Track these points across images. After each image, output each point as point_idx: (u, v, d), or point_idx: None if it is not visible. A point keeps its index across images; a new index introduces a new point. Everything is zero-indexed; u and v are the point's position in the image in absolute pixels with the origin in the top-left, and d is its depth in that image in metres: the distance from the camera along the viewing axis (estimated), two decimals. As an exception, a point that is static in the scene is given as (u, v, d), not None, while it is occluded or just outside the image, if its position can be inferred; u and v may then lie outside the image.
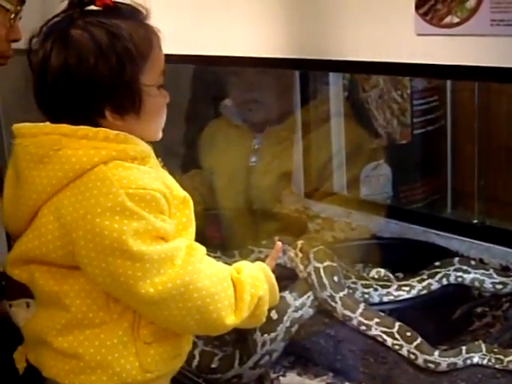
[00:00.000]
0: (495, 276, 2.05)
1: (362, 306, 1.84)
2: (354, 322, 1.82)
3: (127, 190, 1.30)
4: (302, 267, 1.94)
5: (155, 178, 1.36)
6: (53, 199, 1.34)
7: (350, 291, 1.91)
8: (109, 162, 1.32)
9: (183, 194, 1.39)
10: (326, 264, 1.90)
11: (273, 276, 1.46)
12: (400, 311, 1.95)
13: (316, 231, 2.77)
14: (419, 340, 1.76)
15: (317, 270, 1.89)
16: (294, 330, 1.87)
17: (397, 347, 1.77)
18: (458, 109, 2.99)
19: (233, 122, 2.68)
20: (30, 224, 1.38)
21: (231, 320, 1.37)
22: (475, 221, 2.73)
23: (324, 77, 2.91)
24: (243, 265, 1.44)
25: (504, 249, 2.46)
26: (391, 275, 2.21)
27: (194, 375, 1.91)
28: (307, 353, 1.91)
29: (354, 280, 1.99)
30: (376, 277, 2.15)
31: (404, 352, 1.76)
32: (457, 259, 2.08)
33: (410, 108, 2.94)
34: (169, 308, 1.33)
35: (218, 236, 2.28)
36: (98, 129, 1.34)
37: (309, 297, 1.89)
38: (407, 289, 2.01)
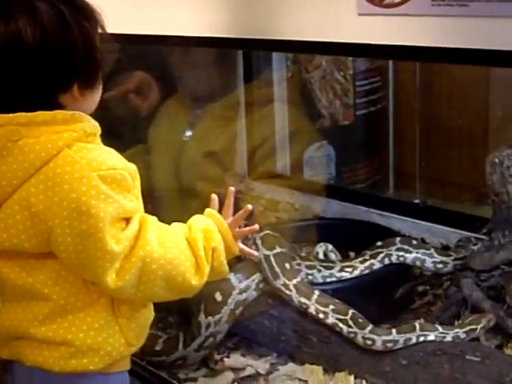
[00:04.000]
0: (436, 255, 2.08)
1: (316, 292, 1.85)
2: (311, 310, 1.82)
3: (99, 172, 1.28)
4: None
5: (115, 155, 1.35)
6: (17, 190, 1.29)
7: (303, 278, 1.92)
8: (72, 144, 1.29)
9: (133, 166, 1.38)
10: (275, 251, 1.90)
11: (225, 224, 1.42)
12: (343, 291, 1.98)
13: (260, 212, 2.78)
14: (371, 326, 1.78)
15: (267, 258, 1.90)
16: (238, 312, 1.88)
17: (352, 335, 1.78)
18: (400, 89, 3.01)
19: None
20: None
21: (196, 279, 1.36)
22: (417, 201, 2.77)
23: (267, 57, 2.91)
24: (193, 221, 1.42)
25: (445, 228, 2.51)
26: (337, 252, 2.25)
27: (138, 358, 1.90)
28: (251, 334, 1.92)
29: (298, 261, 1.99)
30: (321, 254, 2.16)
31: (359, 339, 1.77)
32: (398, 239, 2.10)
33: (353, 89, 2.95)
34: (134, 285, 1.32)
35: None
36: (55, 112, 1.30)
37: (253, 280, 1.89)
38: (350, 270, 2.03)
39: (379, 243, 2.09)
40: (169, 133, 2.24)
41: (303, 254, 2.18)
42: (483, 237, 2.06)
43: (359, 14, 1.50)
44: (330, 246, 2.26)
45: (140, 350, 1.83)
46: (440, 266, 2.08)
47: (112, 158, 1.33)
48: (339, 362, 1.79)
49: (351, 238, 2.34)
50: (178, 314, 2.01)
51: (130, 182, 1.33)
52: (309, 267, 2.00)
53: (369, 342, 1.75)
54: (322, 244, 2.22)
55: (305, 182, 2.97)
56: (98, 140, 1.38)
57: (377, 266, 2.05)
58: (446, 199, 2.78)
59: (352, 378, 1.76)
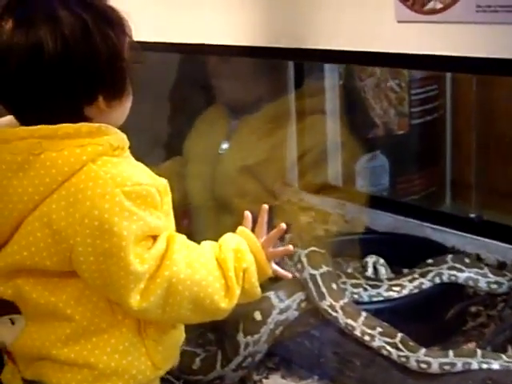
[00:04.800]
0: (490, 275, 1.97)
1: (364, 314, 1.76)
2: (357, 332, 1.74)
3: (123, 187, 1.23)
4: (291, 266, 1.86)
5: (143, 170, 1.30)
6: (39, 206, 1.25)
7: (350, 298, 1.84)
8: (96, 159, 1.25)
9: (164, 181, 1.32)
10: (322, 270, 1.82)
11: (258, 243, 1.35)
12: (390, 311, 1.88)
13: (309, 223, 2.70)
14: (423, 349, 1.68)
15: (313, 277, 1.82)
16: (278, 331, 1.81)
17: (403, 359, 1.69)
18: (458, 98, 2.90)
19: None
20: (13, 235, 1.28)
21: (226, 302, 1.31)
22: (473, 215, 2.65)
23: (319, 64, 2.83)
24: (223, 240, 1.36)
25: (502, 244, 2.39)
26: (387, 267, 2.15)
27: (175, 377, 1.84)
28: (292, 355, 1.84)
29: (343, 280, 1.91)
30: (370, 266, 2.07)
31: (412, 363, 1.67)
32: (450, 256, 2.00)
33: (408, 97, 2.85)
34: (159, 307, 1.28)
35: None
36: (80, 125, 1.25)
37: (295, 299, 1.82)
38: (398, 289, 1.93)
39: (430, 261, 1.99)
40: (207, 144, 2.16)
41: (350, 271, 2.09)
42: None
43: (398, 22, 1.41)
44: (382, 260, 2.16)
45: (177, 368, 1.79)
46: (494, 286, 1.97)
47: (139, 173, 1.27)
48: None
49: (402, 254, 2.23)
50: (218, 331, 1.94)
51: (157, 199, 1.28)
52: (354, 285, 1.92)
53: (424, 366, 1.65)
54: (372, 256, 2.11)
55: (357, 193, 2.86)
56: (127, 153, 1.33)
57: (427, 285, 1.95)
58: (504, 213, 2.65)
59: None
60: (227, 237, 1.37)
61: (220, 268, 1.31)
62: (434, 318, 1.95)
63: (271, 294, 1.79)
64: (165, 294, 1.27)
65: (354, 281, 1.93)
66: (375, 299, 1.92)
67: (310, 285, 1.81)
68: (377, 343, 1.71)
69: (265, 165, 2.03)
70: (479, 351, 1.67)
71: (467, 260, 2.01)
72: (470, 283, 1.97)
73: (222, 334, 1.83)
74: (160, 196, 1.29)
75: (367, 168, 2.95)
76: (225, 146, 2.10)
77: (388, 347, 1.69)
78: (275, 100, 2.34)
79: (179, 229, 1.41)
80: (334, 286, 1.81)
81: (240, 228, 1.37)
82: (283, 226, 1.38)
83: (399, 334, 1.71)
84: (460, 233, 2.53)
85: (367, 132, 2.91)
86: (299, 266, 1.85)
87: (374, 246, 2.30)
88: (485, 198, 2.72)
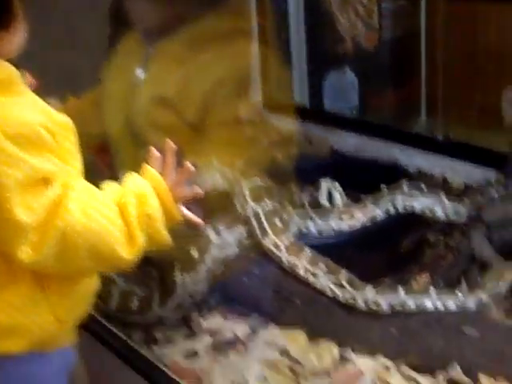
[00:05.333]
0: (447, 203, 1.85)
1: (307, 251, 1.66)
2: (301, 271, 1.64)
3: (7, 130, 1.12)
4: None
5: (32, 106, 1.17)
6: None
7: (296, 232, 1.74)
8: None
9: (65, 119, 1.19)
10: (265, 206, 1.72)
11: (165, 185, 1.23)
12: (340, 243, 1.79)
13: (270, 145, 2.58)
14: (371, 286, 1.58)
15: (255, 213, 1.71)
16: (217, 269, 1.70)
17: (351, 301, 1.58)
18: (432, 12, 2.69)
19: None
20: None
21: (127, 251, 1.20)
22: (443, 135, 2.51)
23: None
24: (127, 182, 1.25)
25: (469, 164, 2.26)
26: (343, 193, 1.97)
27: (113, 316, 1.76)
28: (232, 293, 1.74)
29: (289, 211, 1.80)
30: (324, 191, 1.93)
31: (360, 304, 1.57)
32: (406, 183, 1.86)
33: (378, 10, 2.68)
34: (55, 259, 1.18)
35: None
36: None
37: (235, 235, 1.71)
38: (348, 219, 1.82)
39: (384, 187, 1.86)
40: (122, 75, 1.99)
41: (305, 198, 1.96)
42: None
43: None
44: (337, 184, 1.99)
45: (115, 308, 1.71)
46: (452, 215, 1.85)
47: (27, 112, 1.15)
48: (324, 327, 1.60)
49: (363, 178, 2.10)
50: (158, 267, 1.84)
51: (48, 139, 1.15)
52: (301, 216, 1.80)
53: (373, 307, 1.56)
54: (327, 179, 1.93)
55: (324, 113, 2.76)
56: (20, 89, 1.19)
57: (380, 214, 1.84)
58: (475, 134, 2.51)
59: (336, 346, 1.57)
60: (130, 178, 1.25)
61: (121, 215, 1.19)
62: (388, 249, 1.85)
63: (209, 230, 1.68)
64: (59, 246, 1.16)
65: (301, 211, 1.81)
66: (324, 231, 1.80)
67: (253, 221, 1.71)
68: (321, 283, 1.61)
69: (184, 94, 1.87)
70: (432, 289, 1.56)
71: (423, 187, 1.88)
72: (427, 212, 1.86)
73: (158, 274, 1.73)
74: (51, 133, 1.16)
75: (335, 86, 2.80)
76: (141, 75, 1.93)
77: (333, 287, 1.59)
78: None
79: (96, 165, 1.29)
80: (278, 222, 1.70)
81: (145, 167, 1.25)
82: (190, 166, 1.26)
83: (344, 272, 1.60)
84: (428, 153, 2.42)
85: (334, 47, 2.75)
86: (241, 199, 1.73)
87: (334, 170, 2.17)
88: (460, 117, 2.58)
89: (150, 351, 1.67)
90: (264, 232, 1.68)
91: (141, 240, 1.20)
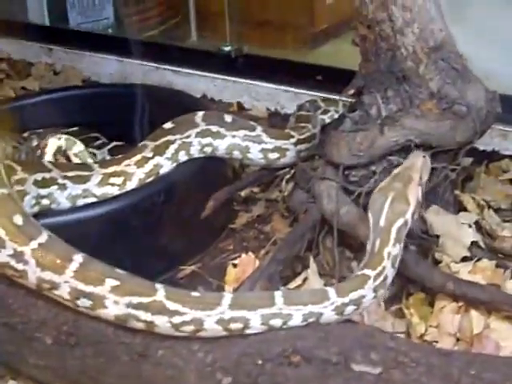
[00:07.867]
0: (266, 138, 1.26)
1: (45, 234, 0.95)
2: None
3: None
4: None
5: None
6: None
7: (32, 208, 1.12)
8: None
9: None
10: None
11: None
12: (107, 219, 1.18)
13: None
14: None
15: None
16: None
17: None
18: None
19: None
20: None
21: None
22: (227, 48, 1.99)
23: None
24: None
25: (268, 85, 1.83)
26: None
27: None
28: None
29: (22, 175, 1.09)
30: (49, 152, 1.25)
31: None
32: (200, 115, 1.26)
33: None
34: None
35: None
36: None
37: None
38: (119, 180, 1.20)
39: (168, 126, 1.26)
40: None
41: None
42: (347, 100, 1.18)
43: None
44: (79, 144, 1.30)
45: None
46: (274, 155, 1.29)
47: None
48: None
49: (132, 114, 1.47)
50: None
51: None
52: (44, 184, 1.12)
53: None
54: (60, 136, 1.28)
55: (70, 32, 2.24)
56: None
57: (166, 166, 1.23)
58: (267, 45, 2.06)
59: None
60: None
61: None
62: (180, 220, 1.26)
63: None
64: None
65: (40, 175, 1.11)
66: (82, 202, 1.16)
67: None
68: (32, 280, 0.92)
69: None
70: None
71: (227, 118, 1.24)
72: (236, 154, 1.26)
73: None
74: None
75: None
76: None
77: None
78: None
79: None
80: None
81: None
82: None
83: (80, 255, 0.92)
84: (212, 75, 1.94)
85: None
86: None
87: (88, 108, 1.61)
88: (240, 28, 2.09)
89: None
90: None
91: None
